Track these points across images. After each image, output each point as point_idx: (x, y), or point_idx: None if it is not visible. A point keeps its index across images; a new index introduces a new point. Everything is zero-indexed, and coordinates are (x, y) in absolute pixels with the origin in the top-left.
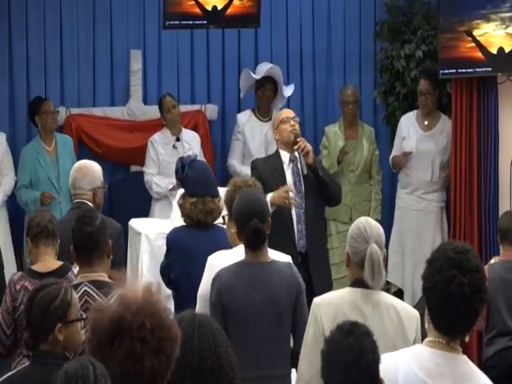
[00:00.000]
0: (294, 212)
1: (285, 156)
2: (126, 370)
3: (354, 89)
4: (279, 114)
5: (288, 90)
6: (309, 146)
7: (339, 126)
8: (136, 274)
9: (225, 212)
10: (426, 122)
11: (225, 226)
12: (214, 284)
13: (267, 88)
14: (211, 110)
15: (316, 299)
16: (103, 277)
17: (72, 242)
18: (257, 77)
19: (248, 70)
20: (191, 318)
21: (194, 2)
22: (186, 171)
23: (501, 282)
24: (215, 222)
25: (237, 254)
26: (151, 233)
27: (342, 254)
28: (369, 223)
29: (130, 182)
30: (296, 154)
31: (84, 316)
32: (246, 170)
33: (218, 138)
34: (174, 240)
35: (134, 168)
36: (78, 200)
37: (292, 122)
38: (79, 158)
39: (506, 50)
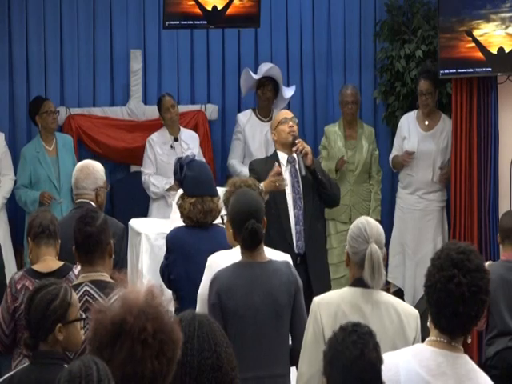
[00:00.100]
0: (292, 214)
1: (283, 157)
2: (127, 373)
3: (354, 89)
4: (278, 114)
5: (288, 91)
6: (307, 148)
7: (339, 125)
8: (136, 274)
9: (224, 212)
10: (426, 122)
11: (224, 226)
12: (213, 286)
13: (267, 88)
14: (211, 110)
15: (316, 298)
16: (104, 277)
17: (74, 241)
18: (256, 77)
19: (248, 70)
20: (191, 318)
21: (193, 2)
22: (184, 172)
23: (501, 282)
24: (214, 222)
25: (237, 254)
26: (151, 233)
27: (341, 253)
28: (369, 223)
29: (130, 181)
30: (294, 155)
31: (84, 316)
32: (246, 170)
33: (218, 137)
34: (173, 241)
35: (133, 168)
36: (80, 200)
37: (290, 123)
38: (79, 157)
39: (506, 50)
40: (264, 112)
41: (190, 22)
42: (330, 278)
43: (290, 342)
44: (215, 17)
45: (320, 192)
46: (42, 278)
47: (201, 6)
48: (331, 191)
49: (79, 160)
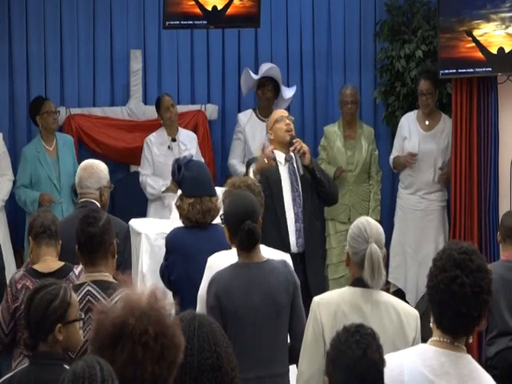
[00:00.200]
0: (291, 211)
1: (280, 156)
2: (127, 375)
3: (353, 89)
4: (273, 114)
5: (289, 92)
6: (305, 147)
7: (338, 125)
8: (136, 274)
9: (223, 211)
10: (426, 122)
11: (224, 226)
12: (211, 288)
13: (267, 89)
14: (211, 110)
15: (316, 298)
16: (107, 277)
17: (76, 241)
18: (256, 77)
19: (248, 70)
20: (191, 318)
21: (193, 2)
22: (182, 172)
23: (501, 282)
24: (213, 222)
25: (236, 254)
26: (151, 233)
27: (340, 253)
28: (369, 223)
29: (130, 181)
30: (292, 154)
31: (83, 316)
32: None
33: (218, 137)
34: (173, 241)
35: (133, 168)
36: (84, 199)
37: (287, 121)
38: (79, 157)
39: (506, 50)
40: (264, 112)
41: (190, 22)
42: (326, 278)
43: (289, 341)
44: (215, 17)
45: (319, 191)
46: (42, 278)
47: (201, 6)
48: (330, 190)
49: (79, 160)
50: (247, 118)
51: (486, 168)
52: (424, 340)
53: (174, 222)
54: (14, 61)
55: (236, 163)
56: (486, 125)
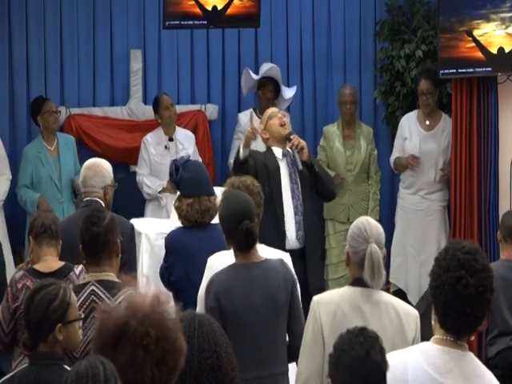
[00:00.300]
0: (290, 204)
1: (277, 151)
2: (127, 377)
3: (352, 88)
4: (264, 113)
5: (289, 92)
6: (303, 142)
7: (337, 125)
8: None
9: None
10: (427, 122)
11: None
12: (210, 289)
13: (267, 89)
14: (211, 110)
15: (315, 297)
16: (111, 277)
17: (80, 240)
18: (256, 77)
19: (248, 70)
20: (191, 318)
21: (194, 2)
22: (179, 173)
23: (502, 282)
24: (212, 222)
25: (234, 255)
26: (151, 233)
27: (340, 253)
28: (369, 223)
29: (130, 181)
30: (289, 149)
31: (83, 315)
32: None
33: (218, 137)
34: (172, 242)
35: (133, 168)
36: (88, 198)
37: (279, 115)
38: (79, 157)
39: (506, 50)
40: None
41: (190, 22)
42: (325, 277)
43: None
44: (215, 17)
45: (317, 186)
46: (43, 278)
47: (201, 6)
48: (328, 185)
49: (79, 160)
50: (247, 118)
51: (486, 168)
52: (424, 340)
53: (174, 222)
54: (14, 61)
55: None
56: (486, 125)
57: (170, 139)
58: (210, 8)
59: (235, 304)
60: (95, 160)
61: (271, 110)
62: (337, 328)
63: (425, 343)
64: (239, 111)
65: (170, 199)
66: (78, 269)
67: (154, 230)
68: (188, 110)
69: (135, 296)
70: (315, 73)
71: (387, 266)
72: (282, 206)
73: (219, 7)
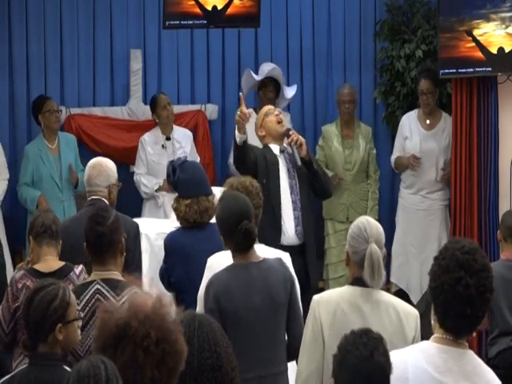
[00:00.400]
0: (289, 199)
1: (275, 148)
2: (127, 378)
3: (351, 88)
4: (260, 112)
5: (290, 91)
6: (302, 139)
7: (336, 125)
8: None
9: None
10: (427, 121)
11: None
12: (209, 290)
13: (269, 89)
14: (211, 110)
15: (315, 297)
16: (116, 275)
17: (85, 239)
18: (258, 78)
19: (250, 71)
20: (191, 318)
21: (193, 2)
22: (177, 174)
23: (502, 282)
24: (211, 221)
25: (232, 256)
26: (151, 233)
27: (339, 253)
28: (369, 223)
29: (130, 181)
30: (286, 145)
31: (82, 315)
32: None
33: (218, 137)
34: (171, 243)
35: (133, 168)
36: (93, 197)
37: (276, 112)
38: (80, 157)
39: (506, 50)
40: None
41: (190, 22)
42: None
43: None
44: (215, 17)
45: (314, 183)
46: (43, 278)
47: (201, 6)
48: (325, 183)
49: (80, 160)
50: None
51: (486, 168)
52: (424, 339)
53: (174, 222)
54: (14, 61)
55: None
56: (486, 125)
57: (168, 138)
58: (209, 8)
59: (235, 304)
60: (99, 159)
61: (267, 108)
62: (337, 327)
63: (424, 342)
64: None
65: (167, 199)
66: (78, 269)
67: (154, 230)
68: (188, 110)
69: (137, 297)
70: (315, 72)
71: (387, 266)
72: (280, 200)
73: (219, 7)
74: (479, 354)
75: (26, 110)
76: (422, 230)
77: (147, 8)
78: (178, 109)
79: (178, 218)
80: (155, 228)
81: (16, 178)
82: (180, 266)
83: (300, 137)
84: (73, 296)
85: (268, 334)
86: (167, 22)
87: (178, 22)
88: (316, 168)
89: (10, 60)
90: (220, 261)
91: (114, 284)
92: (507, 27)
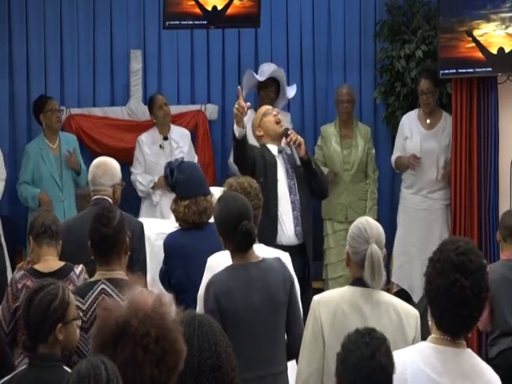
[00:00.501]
0: (288, 199)
1: (273, 148)
2: (126, 377)
3: (349, 88)
4: (257, 112)
5: (291, 91)
6: (300, 139)
7: (335, 125)
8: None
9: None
10: (428, 121)
11: None
12: (209, 290)
13: (270, 90)
14: (211, 110)
15: (316, 297)
16: (121, 275)
17: (89, 238)
18: (261, 78)
19: (252, 72)
20: (191, 318)
21: (193, 2)
22: (175, 175)
23: (503, 282)
24: (210, 221)
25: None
26: (151, 233)
27: (339, 253)
28: (369, 223)
29: (129, 181)
30: (283, 145)
31: (81, 315)
32: None
33: (218, 137)
34: (171, 244)
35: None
36: (97, 196)
37: (274, 113)
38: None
39: (506, 50)
40: None
41: (190, 22)
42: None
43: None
44: (215, 17)
45: (312, 184)
46: (43, 278)
47: (201, 6)
48: (323, 183)
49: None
50: (248, 118)
51: (486, 168)
52: (424, 340)
53: (174, 222)
54: (14, 60)
55: None
56: (486, 125)
57: (165, 138)
58: (210, 8)
59: (235, 305)
60: (104, 159)
61: (265, 108)
62: (337, 328)
63: (422, 343)
64: None
65: (165, 200)
66: (78, 269)
67: (154, 231)
68: (188, 110)
69: (137, 295)
70: (315, 73)
71: (387, 266)
72: (277, 200)
73: (219, 7)
74: (479, 355)
75: (26, 109)
76: (423, 229)
77: (147, 8)
78: (178, 109)
79: (177, 219)
80: (155, 228)
81: (16, 177)
82: (180, 267)
83: (298, 136)
84: (72, 296)
85: (268, 333)
86: (167, 22)
87: (178, 22)
88: (314, 168)
89: (10, 60)
90: (220, 261)
91: (119, 283)
92: (507, 27)
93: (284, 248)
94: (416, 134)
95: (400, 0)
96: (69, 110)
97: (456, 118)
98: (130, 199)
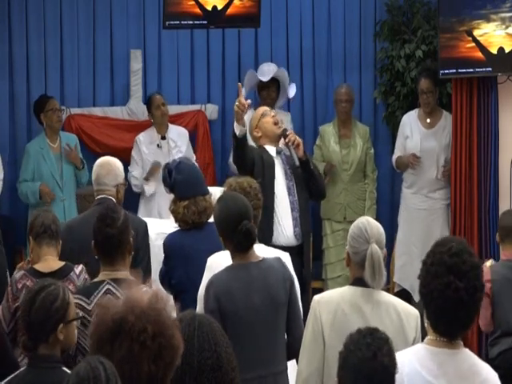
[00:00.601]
0: (287, 200)
1: (271, 150)
2: (124, 373)
3: (348, 87)
4: (255, 112)
5: (292, 91)
6: (299, 139)
7: (333, 124)
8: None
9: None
10: (428, 120)
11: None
12: (209, 290)
13: (272, 89)
14: (211, 110)
15: (316, 297)
16: (125, 275)
17: (93, 238)
18: (265, 79)
19: (254, 72)
20: (191, 318)
21: (194, 2)
22: (173, 176)
23: (504, 282)
24: (209, 221)
25: (231, 256)
26: (151, 233)
27: (338, 253)
28: (369, 223)
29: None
30: (281, 145)
31: (80, 315)
32: None
33: (218, 137)
34: (171, 245)
35: None
36: (101, 196)
37: (272, 114)
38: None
39: (506, 50)
40: None
41: (190, 22)
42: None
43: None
44: (215, 17)
45: (310, 184)
46: (43, 278)
47: (201, 6)
48: (320, 183)
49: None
50: (248, 117)
51: (486, 168)
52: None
53: (174, 222)
54: (14, 60)
55: None
56: (486, 125)
57: (163, 138)
58: (210, 8)
59: (235, 305)
60: (108, 158)
61: (263, 109)
62: (337, 328)
63: (418, 345)
64: None
65: (163, 198)
66: (78, 269)
67: (154, 230)
68: (188, 110)
69: (134, 292)
70: (315, 72)
71: (387, 266)
72: (273, 201)
73: (219, 7)
74: (479, 355)
75: (26, 109)
76: (423, 229)
77: (147, 8)
78: (178, 109)
79: (177, 220)
80: (155, 228)
81: (16, 177)
82: (180, 267)
83: (297, 137)
84: (71, 296)
85: (268, 333)
86: (167, 22)
87: (178, 22)
88: (312, 168)
89: (10, 60)
90: (220, 260)
91: (124, 284)
92: (507, 27)
93: (282, 249)
94: (416, 134)
95: (400, 0)
96: (69, 109)
97: (456, 118)
98: (128, 198)
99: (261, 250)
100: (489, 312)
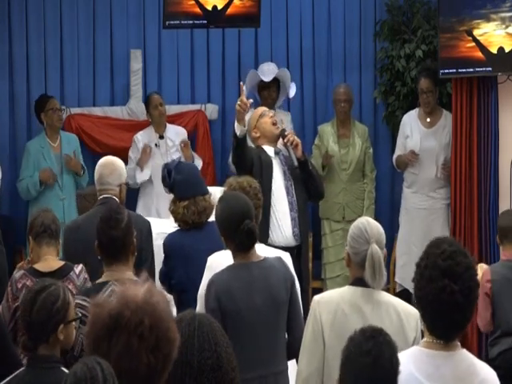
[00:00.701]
0: (286, 200)
1: (269, 150)
2: (123, 367)
3: (347, 87)
4: (254, 113)
5: (292, 90)
6: (297, 139)
7: (332, 124)
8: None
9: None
10: (428, 120)
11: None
12: (210, 290)
13: (273, 89)
14: (211, 110)
15: (316, 297)
16: (129, 275)
17: (96, 239)
18: (267, 79)
19: (255, 72)
20: (191, 317)
21: (194, 2)
22: (172, 176)
23: (504, 282)
24: (209, 220)
25: (232, 256)
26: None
27: (337, 252)
28: (369, 223)
29: None
30: (279, 145)
31: (80, 315)
32: None
33: (218, 137)
34: (171, 245)
35: None
36: (104, 195)
37: (270, 114)
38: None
39: (506, 50)
40: None
41: (190, 22)
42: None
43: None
44: (215, 16)
45: (308, 185)
46: (42, 278)
47: (201, 6)
48: (319, 184)
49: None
50: (248, 118)
51: (486, 168)
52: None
53: (174, 221)
54: (14, 60)
55: None
56: (486, 125)
57: (161, 137)
58: (210, 8)
59: (237, 304)
60: (110, 158)
61: (262, 109)
62: (337, 328)
63: (414, 348)
64: None
65: (162, 197)
66: (78, 268)
67: (154, 230)
68: (188, 109)
69: (128, 288)
70: (315, 72)
71: (388, 266)
72: (270, 201)
73: (219, 7)
74: (479, 355)
75: (26, 109)
76: (424, 229)
77: (147, 8)
78: (178, 108)
79: (176, 220)
80: (155, 228)
81: (16, 176)
82: (180, 267)
83: (295, 137)
84: (71, 296)
85: (269, 333)
86: (167, 22)
87: (178, 22)
88: (311, 169)
89: (10, 59)
90: (220, 260)
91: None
92: (507, 27)
93: (283, 249)
94: (416, 133)
95: (400, 0)
96: (69, 109)
97: (456, 118)
98: (126, 197)
99: (261, 250)
100: (489, 312)
